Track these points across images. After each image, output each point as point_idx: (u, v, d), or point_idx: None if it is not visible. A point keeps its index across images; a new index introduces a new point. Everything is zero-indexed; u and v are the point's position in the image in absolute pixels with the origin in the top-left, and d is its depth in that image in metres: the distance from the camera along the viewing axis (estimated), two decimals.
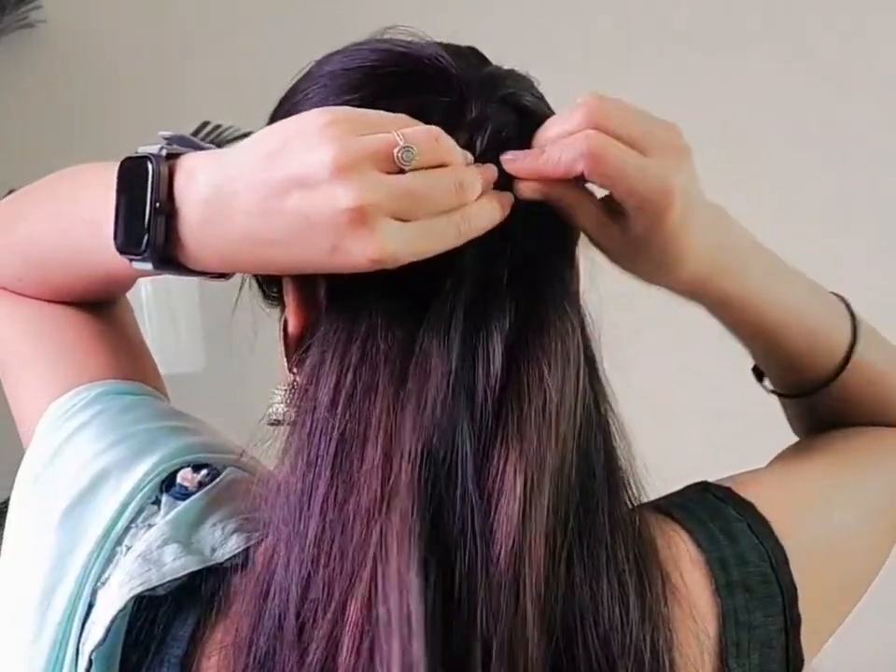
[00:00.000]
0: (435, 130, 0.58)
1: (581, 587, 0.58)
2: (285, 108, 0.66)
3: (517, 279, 0.61)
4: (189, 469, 0.65)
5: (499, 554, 0.55)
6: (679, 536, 0.65)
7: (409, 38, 0.64)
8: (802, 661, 0.65)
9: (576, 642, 0.57)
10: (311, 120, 0.57)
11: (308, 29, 2.34)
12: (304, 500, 0.57)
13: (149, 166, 0.60)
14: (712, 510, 0.67)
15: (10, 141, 2.39)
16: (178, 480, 0.64)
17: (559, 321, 0.60)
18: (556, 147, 0.60)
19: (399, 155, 0.56)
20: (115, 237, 0.62)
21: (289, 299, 0.64)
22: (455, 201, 0.58)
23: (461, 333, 0.58)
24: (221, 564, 0.61)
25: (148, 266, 0.61)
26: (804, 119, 2.13)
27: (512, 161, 0.61)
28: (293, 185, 0.56)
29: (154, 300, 1.80)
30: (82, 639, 0.60)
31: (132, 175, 0.61)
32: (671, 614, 0.60)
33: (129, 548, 0.61)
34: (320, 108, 0.58)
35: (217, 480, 0.65)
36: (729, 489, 0.68)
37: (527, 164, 0.61)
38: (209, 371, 2.00)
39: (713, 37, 2.19)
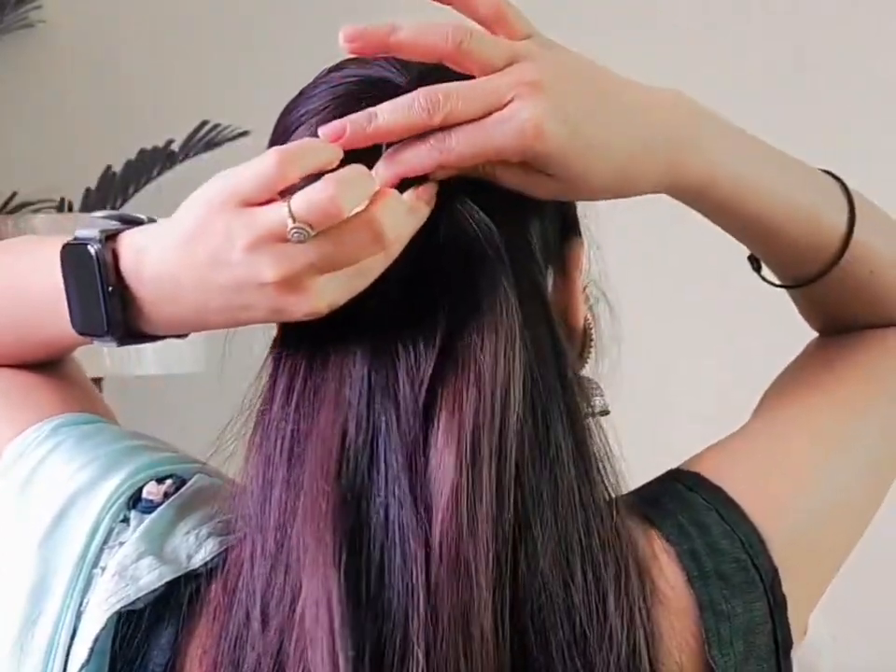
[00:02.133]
0: (330, 180, 0.56)
1: (550, 577, 0.58)
2: (279, 128, 0.66)
3: (446, 269, 0.60)
4: (154, 482, 0.65)
5: (439, 536, 0.56)
6: (649, 531, 0.64)
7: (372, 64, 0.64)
8: (791, 640, 0.64)
9: (548, 634, 0.57)
10: (207, 201, 0.58)
11: (307, 29, 2.34)
12: (263, 499, 0.60)
13: (92, 251, 0.60)
14: (681, 500, 0.65)
15: (10, 141, 2.39)
16: (144, 494, 0.65)
17: (492, 295, 0.59)
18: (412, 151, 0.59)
19: (292, 235, 0.55)
20: (72, 323, 0.63)
21: None
22: (374, 249, 0.57)
23: (391, 320, 0.60)
24: (196, 570, 0.62)
25: (113, 344, 0.62)
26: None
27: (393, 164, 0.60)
28: (217, 264, 0.57)
29: None
30: (68, 663, 0.61)
31: (76, 260, 0.61)
32: (650, 608, 0.60)
33: (104, 569, 0.62)
34: (212, 182, 0.58)
35: (185, 488, 0.65)
36: (698, 475, 0.67)
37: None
38: (209, 371, 2.00)
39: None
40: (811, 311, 0.78)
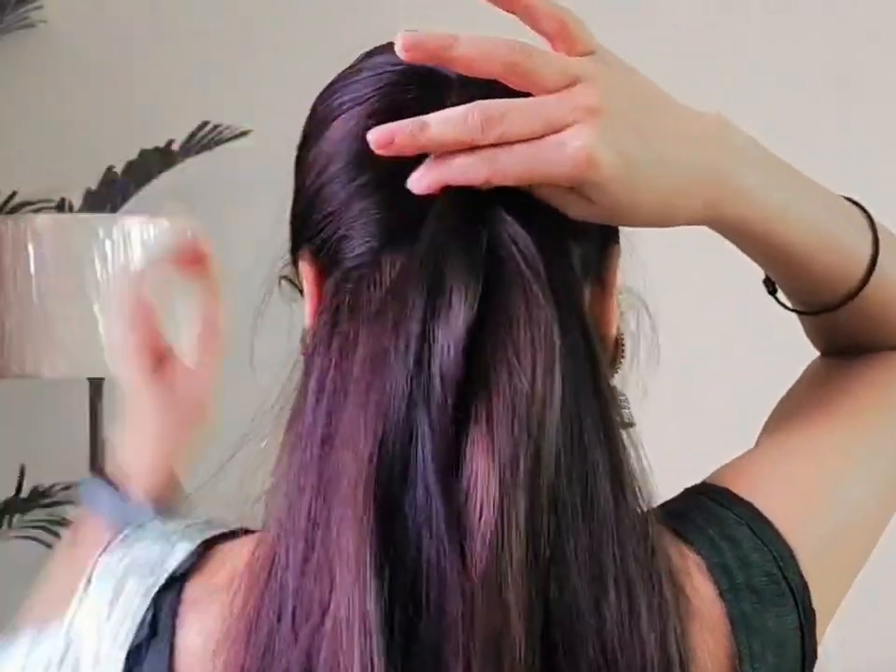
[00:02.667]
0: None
1: (582, 596, 0.57)
2: (318, 115, 0.65)
3: (482, 265, 0.58)
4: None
5: (474, 554, 0.54)
6: (680, 546, 0.63)
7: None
8: (816, 655, 0.64)
9: (578, 655, 0.56)
10: None
11: (307, 29, 2.34)
12: (290, 504, 0.59)
13: None
14: (710, 514, 0.65)
15: (10, 140, 2.39)
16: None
17: (529, 311, 0.57)
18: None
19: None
20: None
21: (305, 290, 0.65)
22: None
23: (419, 321, 0.57)
24: (174, 574, 0.62)
25: None
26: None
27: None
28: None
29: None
30: None
31: None
32: (685, 628, 0.59)
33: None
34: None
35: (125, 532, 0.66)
36: (727, 490, 0.66)
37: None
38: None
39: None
40: (820, 334, 0.77)
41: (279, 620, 0.57)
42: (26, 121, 2.42)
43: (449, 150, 0.57)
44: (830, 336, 0.76)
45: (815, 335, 0.77)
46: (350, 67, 0.64)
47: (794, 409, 0.75)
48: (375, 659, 0.54)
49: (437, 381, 0.55)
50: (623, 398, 0.67)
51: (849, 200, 0.72)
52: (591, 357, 0.60)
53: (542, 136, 0.57)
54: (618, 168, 0.58)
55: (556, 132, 0.57)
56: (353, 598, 0.55)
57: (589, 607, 0.56)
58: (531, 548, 0.55)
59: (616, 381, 0.69)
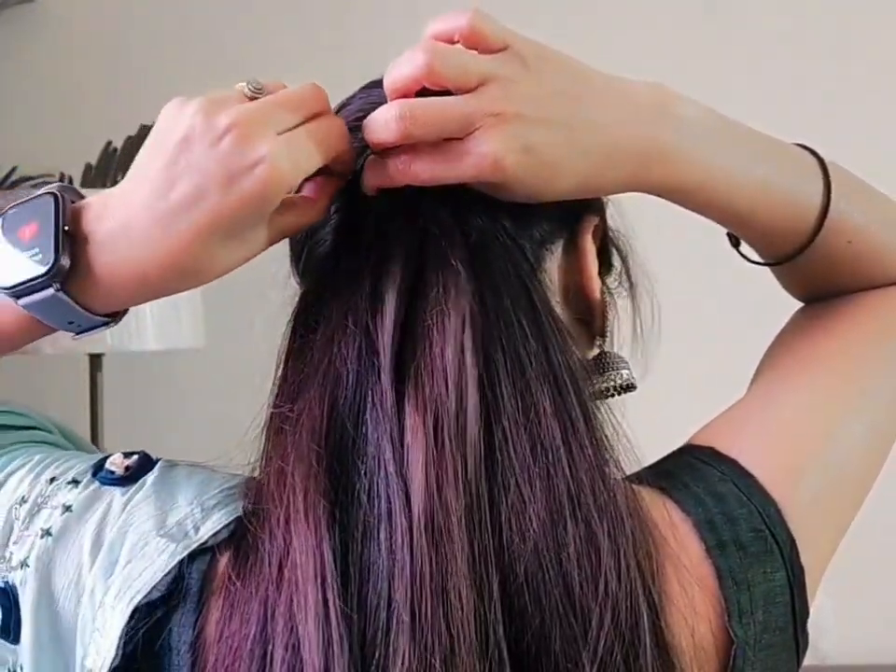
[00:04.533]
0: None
1: (542, 539, 0.58)
2: None
3: (417, 248, 0.64)
4: (120, 454, 0.66)
5: (414, 500, 0.58)
6: (664, 502, 0.64)
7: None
8: (808, 611, 0.64)
9: (541, 597, 0.58)
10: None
11: (307, 13, 2.33)
12: (267, 474, 0.62)
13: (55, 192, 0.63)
14: (696, 472, 0.66)
15: (11, 115, 2.38)
16: (107, 465, 0.65)
17: (446, 283, 0.62)
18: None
19: (247, 87, 0.62)
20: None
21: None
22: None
23: (367, 299, 0.63)
24: (206, 543, 0.62)
25: (49, 291, 0.60)
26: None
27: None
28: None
29: None
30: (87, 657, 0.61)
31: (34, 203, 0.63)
32: (657, 573, 0.60)
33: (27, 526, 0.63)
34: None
35: (155, 469, 0.65)
36: (712, 449, 0.67)
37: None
38: (209, 348, 2.01)
39: None
40: (793, 283, 0.79)
41: (244, 581, 0.60)
42: (26, 96, 2.41)
43: (381, 149, 0.63)
44: (802, 284, 0.78)
45: (788, 284, 0.79)
46: (350, 96, 0.70)
47: (777, 360, 0.76)
48: (330, 604, 0.57)
49: (381, 347, 0.61)
50: (620, 360, 0.70)
51: (805, 148, 0.73)
52: (534, 315, 0.64)
53: (452, 138, 0.62)
54: (525, 166, 0.62)
55: (467, 132, 0.61)
56: (307, 548, 0.58)
57: (550, 550, 0.58)
58: (468, 493, 0.59)
59: (622, 350, 0.71)
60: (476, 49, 0.62)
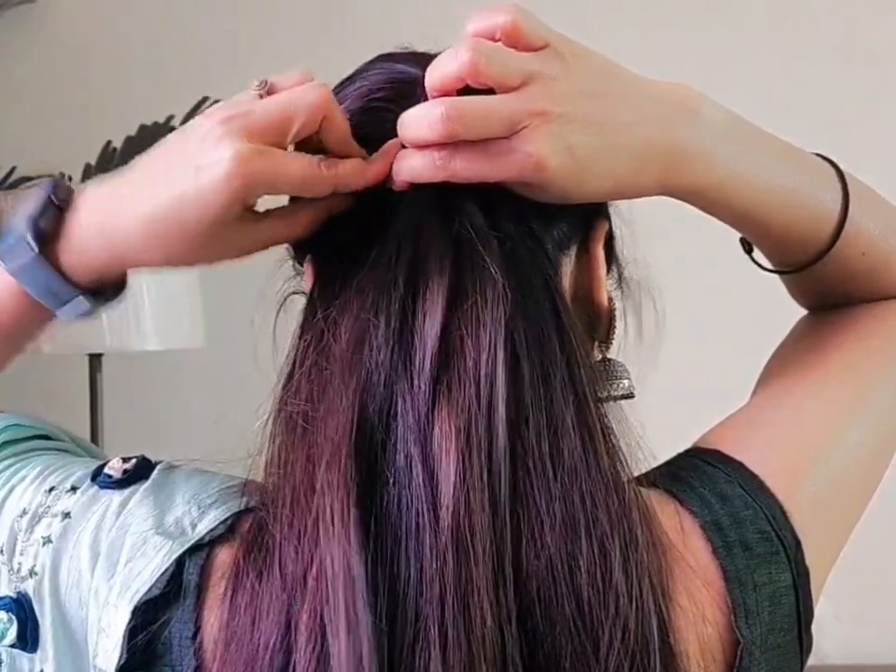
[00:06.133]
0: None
1: (555, 551, 0.58)
2: None
3: (455, 245, 0.63)
4: (119, 458, 0.66)
5: (442, 514, 0.58)
6: (671, 504, 0.64)
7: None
8: (812, 613, 0.65)
9: (552, 610, 0.58)
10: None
11: (307, 13, 2.34)
12: (283, 470, 0.62)
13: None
14: (702, 474, 0.66)
15: (9, 115, 2.38)
16: (105, 470, 0.66)
17: (483, 288, 0.61)
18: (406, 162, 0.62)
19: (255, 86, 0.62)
20: None
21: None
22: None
23: (400, 299, 0.61)
24: (203, 540, 0.62)
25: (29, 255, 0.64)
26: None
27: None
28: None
29: (153, 277, 1.80)
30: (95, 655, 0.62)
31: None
32: (666, 581, 0.60)
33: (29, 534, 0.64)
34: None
35: (154, 472, 0.66)
36: (718, 451, 0.68)
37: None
38: (209, 348, 2.01)
39: None
40: (802, 291, 0.79)
41: (260, 580, 0.59)
42: (26, 96, 2.41)
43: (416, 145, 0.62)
44: (811, 293, 0.78)
45: (796, 293, 0.79)
46: (350, 74, 0.69)
47: (782, 366, 0.76)
48: (360, 612, 0.56)
49: (419, 354, 0.60)
50: (621, 368, 0.70)
51: (823, 158, 0.73)
52: (559, 324, 0.63)
53: (497, 138, 0.61)
54: (566, 168, 0.61)
55: (512, 132, 0.60)
56: (338, 556, 0.57)
57: (563, 561, 0.58)
58: (492, 505, 0.58)
59: (619, 355, 0.71)
60: (517, 47, 0.62)
